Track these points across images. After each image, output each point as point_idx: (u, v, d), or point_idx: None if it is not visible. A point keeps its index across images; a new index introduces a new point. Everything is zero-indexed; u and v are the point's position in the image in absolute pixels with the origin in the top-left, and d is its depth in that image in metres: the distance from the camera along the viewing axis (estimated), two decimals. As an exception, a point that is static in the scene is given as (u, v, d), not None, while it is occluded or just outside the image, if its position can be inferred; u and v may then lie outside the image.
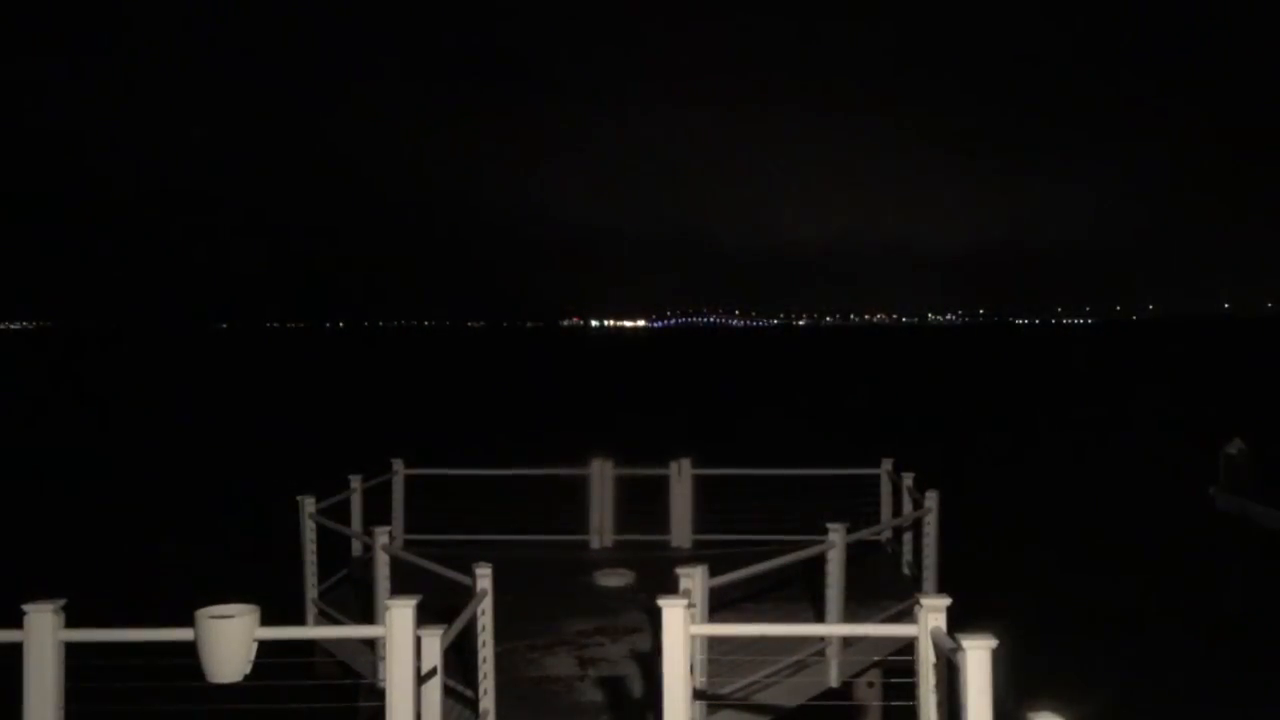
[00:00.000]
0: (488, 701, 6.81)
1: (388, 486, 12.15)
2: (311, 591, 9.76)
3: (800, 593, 9.40)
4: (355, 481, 11.31)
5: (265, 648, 5.19)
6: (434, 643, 5.60)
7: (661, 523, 12.24)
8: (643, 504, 12.57)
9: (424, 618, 5.49)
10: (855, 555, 8.79)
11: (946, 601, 5.17)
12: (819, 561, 8.23)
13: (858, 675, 8.72)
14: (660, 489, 12.27)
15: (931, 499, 10.07)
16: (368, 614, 8.66)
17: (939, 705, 5.11)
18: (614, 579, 10.65)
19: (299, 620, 9.54)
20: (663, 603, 5.25)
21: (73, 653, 5.26)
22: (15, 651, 5.15)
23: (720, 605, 7.59)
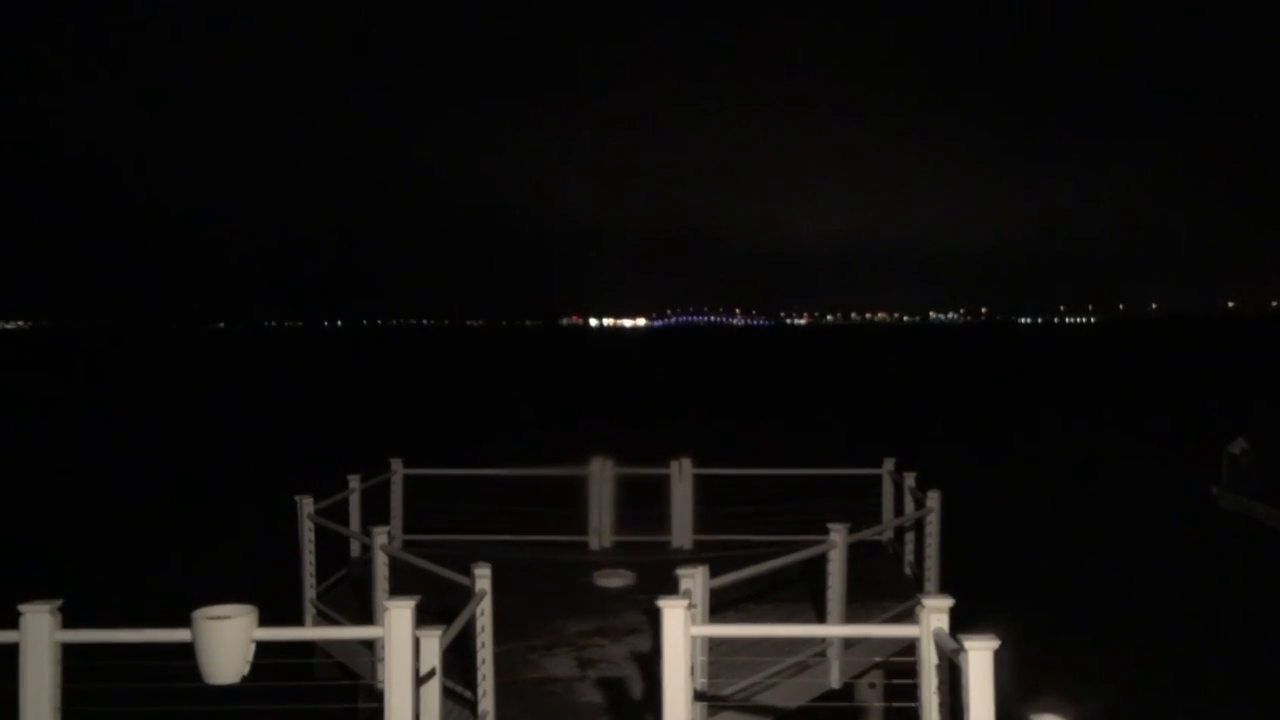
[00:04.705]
0: (487, 703, 6.79)
1: (386, 486, 12.11)
2: (310, 592, 9.73)
3: (801, 593, 9.36)
4: (354, 481, 11.26)
5: (263, 648, 5.17)
6: (433, 643, 5.57)
7: (662, 523, 12.20)
8: (643, 504, 12.54)
9: (423, 618, 5.46)
10: (857, 556, 8.76)
11: (949, 602, 5.14)
12: (820, 562, 8.19)
13: (859, 676, 8.69)
14: (661, 489, 12.23)
15: (933, 499, 10.02)
16: (366, 614, 8.64)
17: (941, 706, 5.09)
18: (614, 579, 10.62)
19: (297, 621, 9.51)
20: (663, 603, 5.22)
21: (69, 654, 5.23)
22: (11, 652, 5.13)
23: (721, 606, 7.56)
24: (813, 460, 13.25)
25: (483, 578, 6.82)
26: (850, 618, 8.29)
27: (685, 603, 5.25)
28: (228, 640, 5.05)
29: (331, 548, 10.32)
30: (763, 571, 7.50)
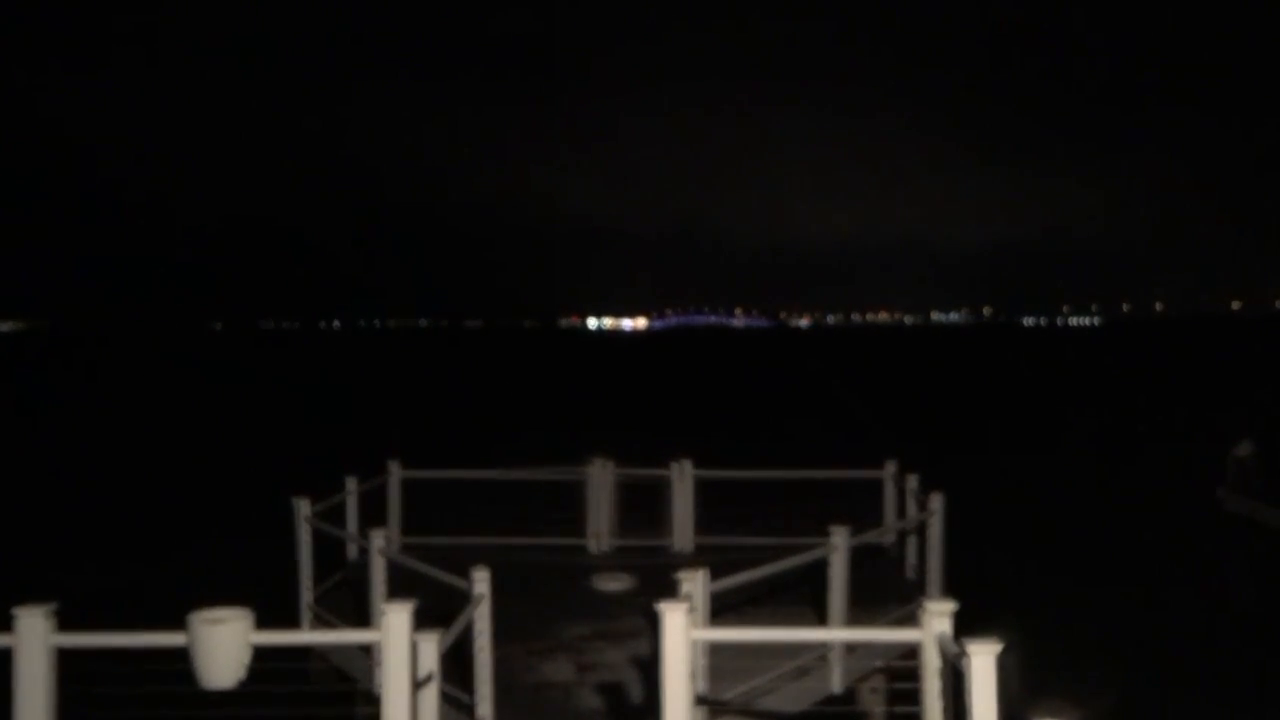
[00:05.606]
0: (485, 707, 6.75)
1: (384, 489, 12.06)
2: (307, 595, 9.67)
3: (803, 597, 9.31)
4: (351, 484, 11.20)
5: (260, 652, 5.13)
6: (431, 648, 5.53)
7: (662, 526, 12.12)
8: (643, 507, 12.46)
9: (421, 622, 5.41)
10: (859, 559, 8.70)
11: (951, 606, 5.10)
12: (822, 565, 8.14)
13: (861, 681, 8.62)
14: (661, 491, 12.16)
15: (937, 502, 9.96)
16: (363, 618, 8.59)
17: (944, 711, 5.05)
18: (613, 583, 10.57)
19: (294, 625, 9.46)
20: (663, 607, 5.18)
21: (64, 658, 5.19)
22: (5, 657, 5.09)
23: (722, 609, 7.50)
24: (814, 463, 13.18)
25: (481, 581, 6.78)
26: (852, 621, 8.23)
27: (686, 606, 5.21)
28: (224, 644, 5.01)
29: (328, 551, 10.27)
30: (764, 575, 7.45)
